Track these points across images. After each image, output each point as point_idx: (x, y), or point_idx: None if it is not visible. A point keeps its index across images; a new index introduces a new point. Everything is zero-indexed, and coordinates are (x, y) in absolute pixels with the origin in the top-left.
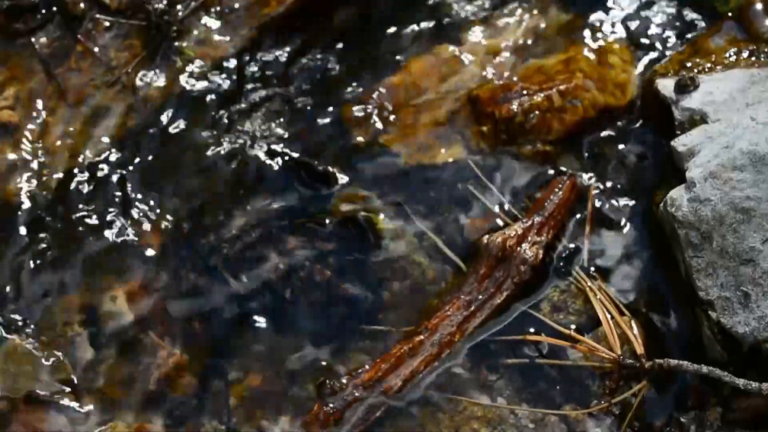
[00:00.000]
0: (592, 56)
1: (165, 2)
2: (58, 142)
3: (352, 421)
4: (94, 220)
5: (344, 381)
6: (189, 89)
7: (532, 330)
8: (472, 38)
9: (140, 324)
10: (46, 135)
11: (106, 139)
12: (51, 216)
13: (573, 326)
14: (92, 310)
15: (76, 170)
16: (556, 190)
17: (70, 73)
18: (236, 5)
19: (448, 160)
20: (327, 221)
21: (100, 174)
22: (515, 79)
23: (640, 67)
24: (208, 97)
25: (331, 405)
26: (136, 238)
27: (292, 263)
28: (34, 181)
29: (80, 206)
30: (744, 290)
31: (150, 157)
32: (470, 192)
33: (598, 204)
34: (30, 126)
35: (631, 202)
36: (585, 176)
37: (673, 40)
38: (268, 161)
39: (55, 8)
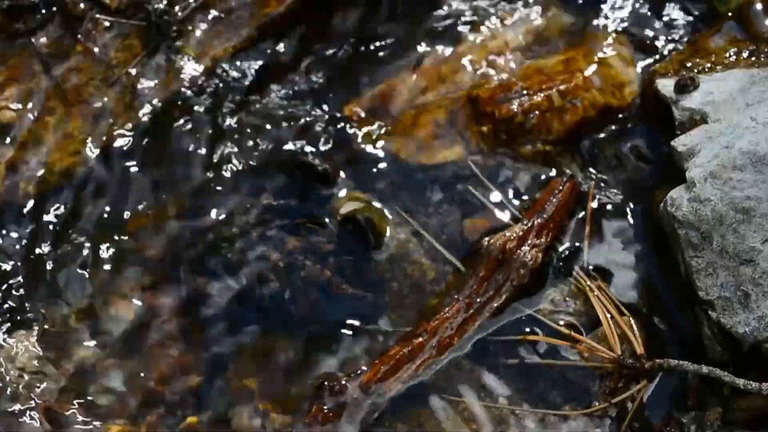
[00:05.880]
0: (592, 56)
1: (165, 2)
2: (58, 142)
3: (350, 422)
4: (94, 221)
5: (343, 382)
6: (189, 89)
7: (532, 330)
8: (472, 38)
9: (139, 324)
10: (46, 135)
11: (106, 139)
12: (51, 216)
13: (573, 326)
14: (91, 309)
15: (76, 170)
16: (556, 191)
17: (70, 73)
18: (236, 5)
19: (448, 160)
20: (327, 221)
21: (100, 174)
22: (515, 79)
23: (640, 67)
24: (208, 97)
25: (329, 406)
26: (136, 239)
27: (292, 263)
28: (35, 181)
29: (80, 207)
30: (744, 290)
31: (150, 157)
32: (470, 192)
33: (598, 204)
34: (30, 126)
35: (631, 202)
36: (585, 176)
37: (673, 40)
38: (269, 161)
39: (55, 8)
